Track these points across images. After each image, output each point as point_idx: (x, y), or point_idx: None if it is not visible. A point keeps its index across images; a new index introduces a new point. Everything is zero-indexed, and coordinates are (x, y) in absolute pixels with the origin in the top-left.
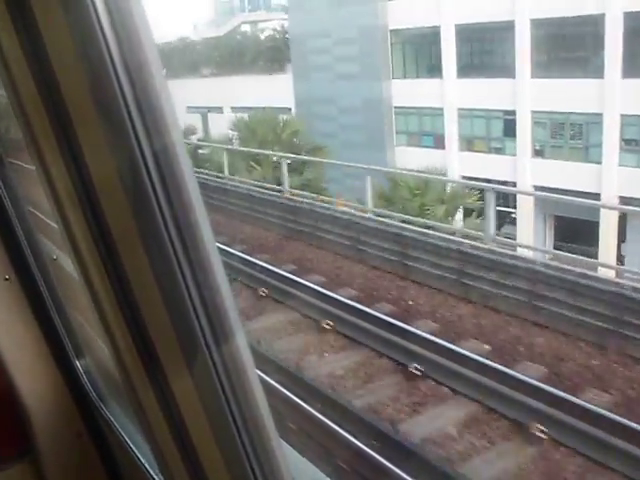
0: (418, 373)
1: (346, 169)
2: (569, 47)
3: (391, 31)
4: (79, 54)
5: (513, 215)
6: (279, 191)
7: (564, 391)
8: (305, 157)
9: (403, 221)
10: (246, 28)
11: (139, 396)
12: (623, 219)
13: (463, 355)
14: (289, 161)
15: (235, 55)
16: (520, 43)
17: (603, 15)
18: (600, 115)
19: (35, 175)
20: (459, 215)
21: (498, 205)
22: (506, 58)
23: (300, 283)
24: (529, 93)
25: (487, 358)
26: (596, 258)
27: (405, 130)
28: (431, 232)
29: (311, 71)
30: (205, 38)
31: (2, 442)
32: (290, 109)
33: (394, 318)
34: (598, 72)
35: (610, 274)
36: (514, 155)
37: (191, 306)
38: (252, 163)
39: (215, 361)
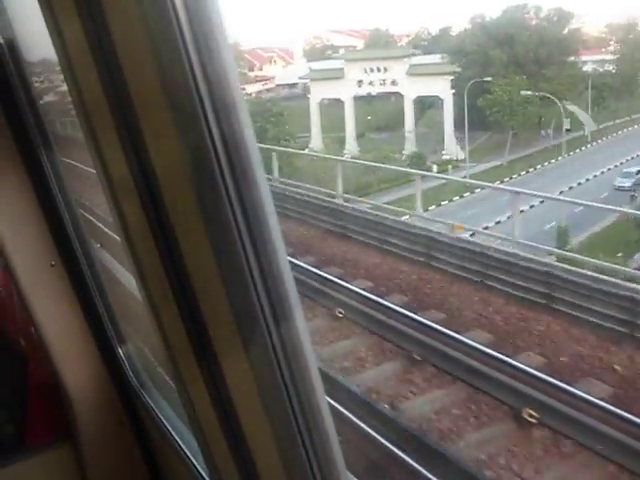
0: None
1: None
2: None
3: None
4: (150, 44)
5: None
6: None
7: None
8: None
9: None
10: None
11: (186, 381)
12: None
13: None
14: None
15: None
16: None
17: None
18: None
19: (81, 169)
20: None
21: None
22: None
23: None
24: None
25: None
26: None
27: None
28: None
29: None
30: None
31: (44, 426)
32: None
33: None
34: None
35: None
36: None
37: (252, 283)
38: None
39: (274, 344)
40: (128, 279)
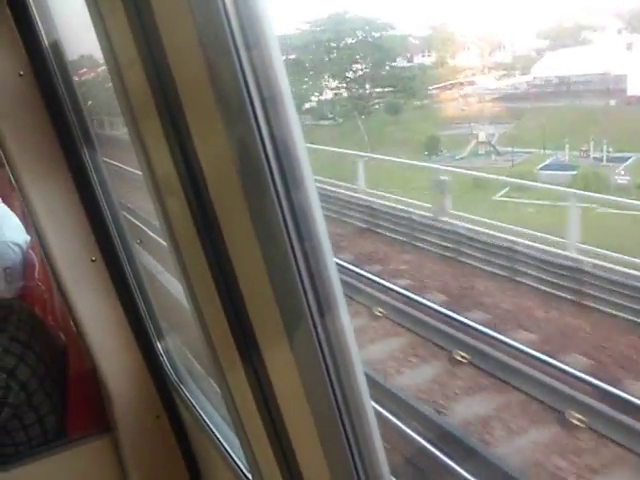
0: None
1: None
2: None
3: None
4: (198, 40)
5: None
6: None
7: None
8: None
9: None
10: None
11: (228, 377)
12: None
13: None
14: None
15: None
16: None
17: None
18: None
19: (120, 168)
20: None
21: None
22: None
23: None
24: None
25: None
26: None
27: None
28: None
29: None
30: None
31: (84, 418)
32: None
33: None
34: None
35: None
36: None
37: (299, 280)
38: None
39: (320, 340)
40: (168, 277)
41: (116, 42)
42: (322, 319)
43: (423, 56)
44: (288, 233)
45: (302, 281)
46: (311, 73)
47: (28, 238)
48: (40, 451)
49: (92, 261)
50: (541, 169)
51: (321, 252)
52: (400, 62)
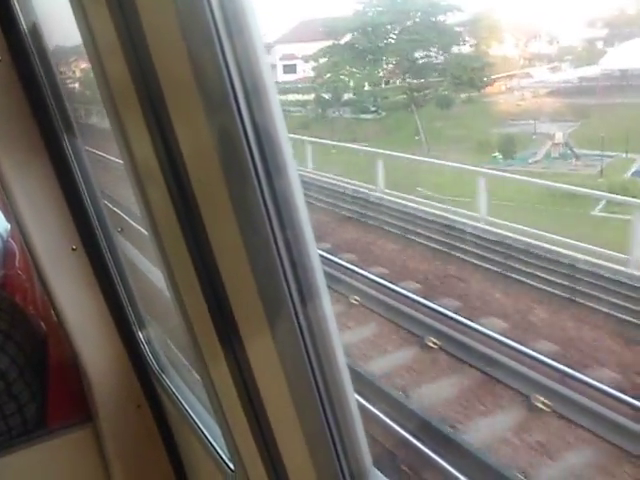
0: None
1: None
2: None
3: None
4: (180, 27)
5: None
6: None
7: None
8: None
9: None
10: None
11: (209, 365)
12: None
13: None
14: None
15: None
16: None
17: None
18: None
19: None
20: None
21: None
22: None
23: None
24: None
25: None
26: None
27: None
28: None
29: None
30: None
31: (65, 408)
32: None
33: None
34: None
35: None
36: None
37: (280, 267)
38: None
39: (302, 327)
40: (149, 266)
41: (96, 29)
42: (304, 308)
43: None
44: (270, 221)
45: (284, 270)
46: (368, 58)
47: (8, 226)
48: (20, 441)
49: (73, 250)
50: (632, 175)
51: (303, 241)
52: (455, 49)
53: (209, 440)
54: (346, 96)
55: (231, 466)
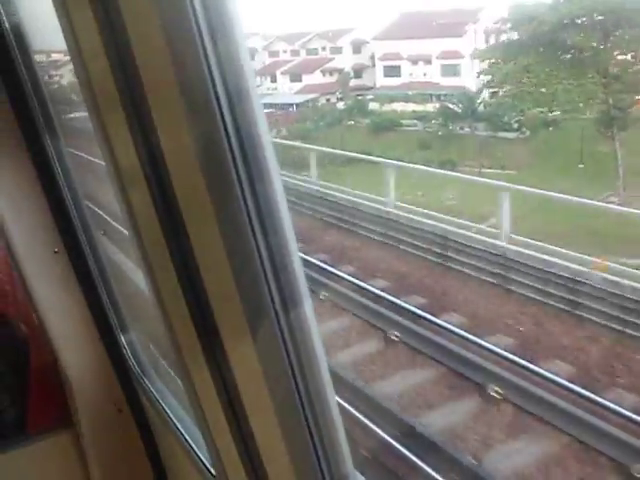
0: None
1: None
2: None
3: None
4: (164, 30)
5: None
6: None
7: None
8: None
9: None
10: None
11: (190, 370)
12: None
13: None
14: None
15: None
16: None
17: None
18: None
19: (87, 160)
20: None
21: None
22: None
23: None
24: None
25: None
26: None
27: None
28: None
29: None
30: None
31: (45, 412)
32: None
33: None
34: None
35: None
36: None
37: (262, 272)
38: None
39: (284, 332)
40: (133, 269)
41: (80, 32)
42: (286, 314)
43: None
44: (252, 227)
45: (266, 275)
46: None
47: None
48: None
49: (55, 252)
50: None
51: (286, 247)
52: None
53: (191, 445)
54: (481, 108)
55: (212, 471)
